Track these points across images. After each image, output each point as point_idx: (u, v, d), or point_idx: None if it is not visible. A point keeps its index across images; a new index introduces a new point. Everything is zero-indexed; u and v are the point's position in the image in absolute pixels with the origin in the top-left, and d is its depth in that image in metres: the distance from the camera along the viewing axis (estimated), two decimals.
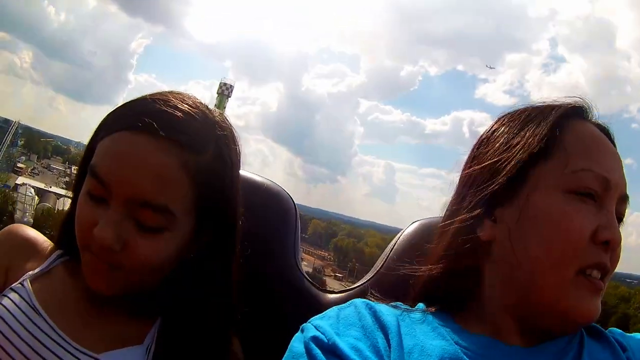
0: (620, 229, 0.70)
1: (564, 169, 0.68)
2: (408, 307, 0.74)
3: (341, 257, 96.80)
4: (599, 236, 0.65)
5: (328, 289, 1.07)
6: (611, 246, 0.66)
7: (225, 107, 73.69)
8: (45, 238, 0.86)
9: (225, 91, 73.07)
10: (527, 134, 0.71)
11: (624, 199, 0.71)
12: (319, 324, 0.67)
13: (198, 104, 0.78)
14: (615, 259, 0.68)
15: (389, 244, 1.03)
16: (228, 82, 73.88)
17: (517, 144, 0.71)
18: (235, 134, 0.82)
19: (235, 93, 76.40)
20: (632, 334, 0.75)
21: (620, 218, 0.71)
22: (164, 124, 0.71)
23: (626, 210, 0.72)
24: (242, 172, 0.90)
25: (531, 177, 0.69)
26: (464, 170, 0.78)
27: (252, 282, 0.85)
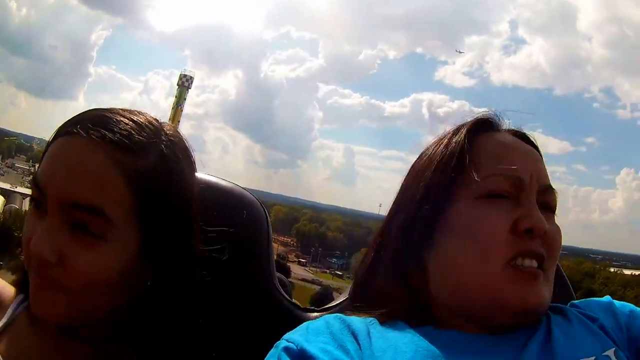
0: (554, 219, 0.75)
1: (475, 178, 0.73)
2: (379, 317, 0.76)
3: (304, 242, 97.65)
4: (519, 227, 0.69)
5: (303, 305, 1.00)
6: (536, 233, 0.69)
7: (185, 99, 73.44)
8: (6, 283, 0.79)
9: (185, 83, 72.46)
10: (441, 155, 0.77)
11: (546, 189, 0.75)
12: (290, 337, 0.68)
13: (147, 115, 0.75)
14: (553, 245, 0.72)
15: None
16: (188, 73, 73.10)
17: (434, 167, 0.77)
18: (188, 146, 0.78)
19: (194, 82, 76.29)
20: (591, 300, 0.79)
21: (549, 207, 0.75)
22: (100, 125, 0.68)
23: (556, 200, 0.76)
24: (207, 176, 0.88)
25: (450, 195, 0.74)
26: (395, 199, 0.83)
27: (223, 302, 0.79)
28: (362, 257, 0.85)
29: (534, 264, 0.70)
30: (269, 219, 0.98)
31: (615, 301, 0.78)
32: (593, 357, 0.65)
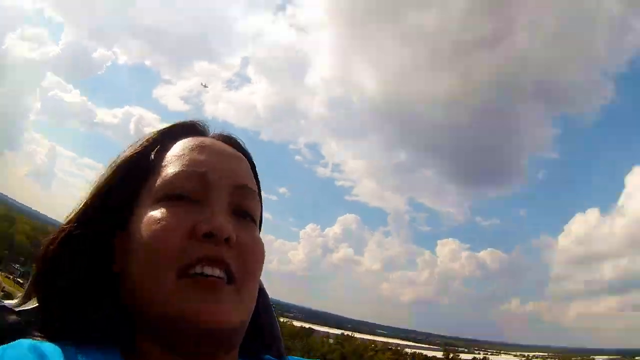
0: (253, 228, 0.65)
1: (157, 181, 0.63)
2: (77, 344, 0.56)
3: None
4: (197, 231, 0.58)
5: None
6: (218, 238, 0.58)
7: None
8: None
9: None
10: (125, 160, 0.67)
11: (240, 190, 0.65)
12: None
13: None
14: (247, 257, 0.61)
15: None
16: None
17: (116, 172, 0.67)
18: None
19: None
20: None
21: (247, 215, 0.65)
22: None
23: (256, 206, 0.67)
24: None
25: (132, 201, 0.64)
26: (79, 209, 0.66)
27: None
28: (40, 273, 0.62)
29: (217, 272, 0.57)
30: None
31: None
32: None
